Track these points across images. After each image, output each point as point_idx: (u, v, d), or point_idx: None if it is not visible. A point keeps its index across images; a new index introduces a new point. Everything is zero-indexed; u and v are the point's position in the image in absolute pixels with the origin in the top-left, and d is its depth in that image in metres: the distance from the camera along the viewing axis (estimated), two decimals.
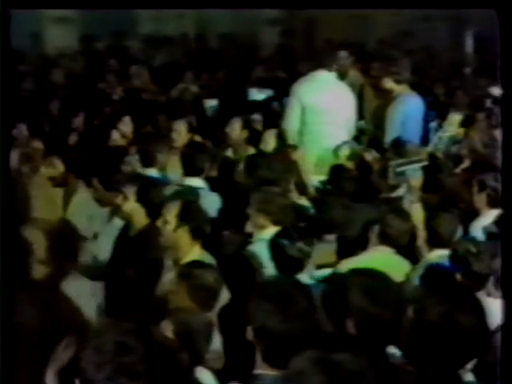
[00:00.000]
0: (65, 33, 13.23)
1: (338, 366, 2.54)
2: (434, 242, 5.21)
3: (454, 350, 2.99)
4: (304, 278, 4.79)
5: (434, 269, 4.97)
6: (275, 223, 5.27)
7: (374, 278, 3.55)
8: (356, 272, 3.78)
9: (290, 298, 3.16)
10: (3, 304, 3.64)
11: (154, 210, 5.36)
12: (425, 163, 6.55)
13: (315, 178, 6.88)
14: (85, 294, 4.68)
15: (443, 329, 2.98)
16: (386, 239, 5.23)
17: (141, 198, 5.58)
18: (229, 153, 7.44)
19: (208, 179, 6.42)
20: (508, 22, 4.03)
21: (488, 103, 8.26)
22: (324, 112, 7.44)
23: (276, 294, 3.20)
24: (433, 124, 8.11)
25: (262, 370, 3.14)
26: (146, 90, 10.38)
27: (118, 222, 5.81)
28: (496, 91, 7.93)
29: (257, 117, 8.12)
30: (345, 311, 3.41)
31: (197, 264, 4.57)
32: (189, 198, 5.37)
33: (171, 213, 5.01)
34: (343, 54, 8.52)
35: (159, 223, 5.12)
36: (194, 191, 6.06)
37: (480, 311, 3.06)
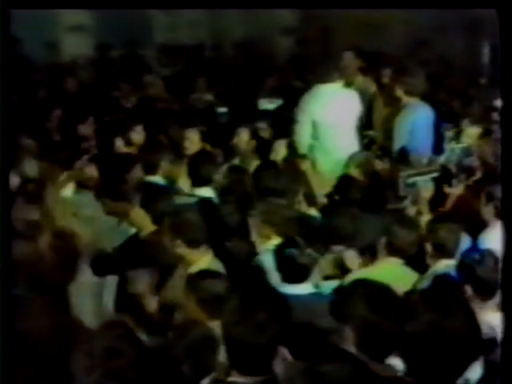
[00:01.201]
0: (79, 41, 13.26)
1: (324, 376, 2.57)
2: (440, 252, 5.20)
3: (446, 358, 2.98)
4: (309, 287, 4.78)
5: (441, 280, 4.95)
6: (280, 235, 5.29)
7: (376, 289, 3.57)
8: (359, 282, 3.81)
9: (255, 306, 3.15)
10: (4, 306, 3.64)
11: (159, 217, 5.44)
12: (436, 174, 6.51)
13: (324, 189, 6.83)
14: (85, 296, 4.71)
15: (433, 337, 2.97)
16: (393, 250, 5.22)
17: (145, 206, 5.64)
18: (236, 162, 7.42)
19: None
20: (508, 23, 4.00)
21: (495, 116, 8.16)
22: (334, 126, 7.37)
23: (241, 298, 3.21)
24: (448, 134, 8.03)
25: (234, 377, 3.14)
26: (160, 99, 10.38)
27: (128, 229, 5.84)
28: (499, 103, 7.84)
29: (263, 125, 8.02)
30: (347, 320, 3.42)
31: (205, 273, 4.57)
32: (186, 211, 5.39)
33: (165, 226, 5.15)
34: (348, 54, 8.39)
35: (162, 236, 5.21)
36: (201, 202, 6.07)
37: (469, 316, 3.05)
